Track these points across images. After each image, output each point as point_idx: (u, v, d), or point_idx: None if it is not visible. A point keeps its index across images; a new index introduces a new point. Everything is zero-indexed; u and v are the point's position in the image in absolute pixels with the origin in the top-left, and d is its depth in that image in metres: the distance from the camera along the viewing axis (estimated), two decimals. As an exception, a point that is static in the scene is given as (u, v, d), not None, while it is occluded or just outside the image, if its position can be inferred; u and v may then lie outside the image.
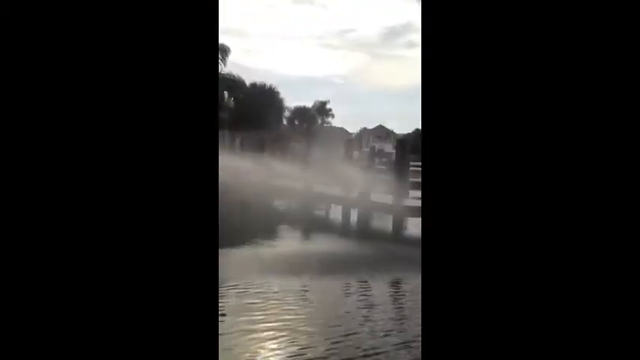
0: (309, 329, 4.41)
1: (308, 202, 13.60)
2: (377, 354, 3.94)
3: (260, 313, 4.79)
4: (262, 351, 3.90)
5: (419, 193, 13.31)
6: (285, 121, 39.94)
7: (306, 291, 5.66)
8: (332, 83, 67.33)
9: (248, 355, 3.80)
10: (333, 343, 4.08)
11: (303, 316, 4.80)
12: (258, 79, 35.22)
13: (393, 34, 71.56)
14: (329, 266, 6.90)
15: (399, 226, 10.98)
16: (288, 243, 9.24)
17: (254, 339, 4.10)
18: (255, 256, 7.46)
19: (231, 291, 5.42)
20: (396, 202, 11.06)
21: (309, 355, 3.82)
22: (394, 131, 43.71)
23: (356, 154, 18.92)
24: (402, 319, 4.99)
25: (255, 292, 5.45)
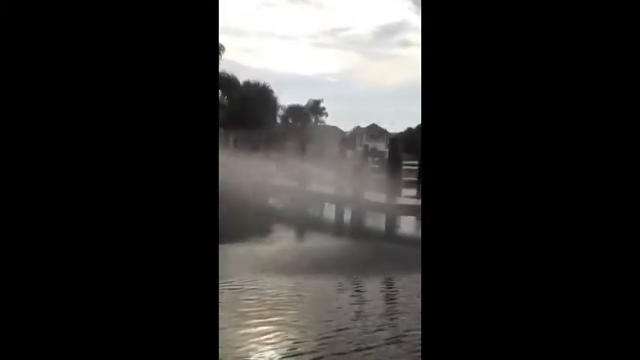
0: (301, 324, 4.49)
1: (302, 201, 13.67)
2: (368, 348, 4.03)
3: (254, 309, 4.87)
4: (256, 346, 3.98)
5: (412, 192, 13.42)
6: (279, 120, 39.93)
7: (299, 288, 5.74)
8: (325, 82, 67.34)
9: (243, 349, 3.88)
10: (324, 338, 4.17)
11: (296, 312, 4.88)
12: (252, 78, 35.18)
13: (386, 32, 71.63)
14: (322, 264, 6.99)
15: (392, 224, 11.09)
16: (283, 241, 9.31)
17: (248, 334, 4.18)
18: (250, 254, 7.52)
19: (226, 288, 5.49)
20: (389, 201, 11.16)
21: (300, 350, 3.91)
22: (387, 130, 43.80)
23: (349, 152, 19.00)
24: (393, 314, 5.08)
25: (249, 289, 5.53)
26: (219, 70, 30.05)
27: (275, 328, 4.37)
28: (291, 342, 4.06)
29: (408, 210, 11.18)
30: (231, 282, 5.69)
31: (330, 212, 12.71)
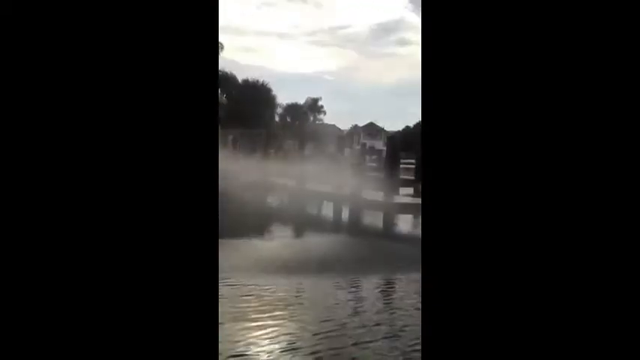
0: (299, 320, 4.55)
1: (300, 200, 13.72)
2: (366, 342, 4.10)
3: (253, 305, 4.93)
4: (255, 340, 4.04)
5: (409, 190, 13.49)
6: (277, 118, 39.93)
7: (297, 286, 5.80)
8: (323, 80, 67.39)
9: (242, 344, 3.94)
10: (322, 334, 4.23)
11: (294, 309, 4.94)
12: (251, 76, 35.17)
13: (384, 31, 71.70)
14: (320, 262, 7.04)
15: (389, 222, 11.15)
16: (281, 239, 9.37)
17: (246, 329, 4.24)
18: (248, 252, 7.57)
19: (224, 284, 5.55)
20: (386, 199, 11.22)
21: (299, 344, 3.97)
22: (385, 128, 43.82)
23: (347, 151, 19.04)
24: (391, 310, 5.15)
25: (248, 286, 5.58)
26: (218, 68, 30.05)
27: (274, 323, 4.43)
28: (289, 337, 4.12)
29: (406, 208, 11.25)
30: (229, 279, 5.75)
31: (328, 210, 12.76)
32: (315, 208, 13.62)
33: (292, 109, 43.04)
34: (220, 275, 6.05)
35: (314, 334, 4.22)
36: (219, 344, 4.04)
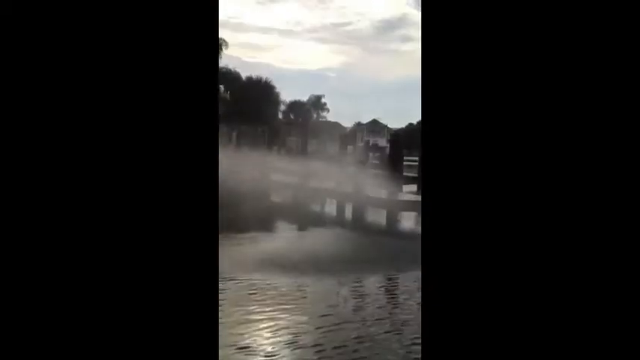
0: (302, 317, 4.59)
1: (303, 197, 13.75)
2: (368, 338, 4.13)
3: (256, 302, 4.96)
4: (258, 337, 4.08)
5: (412, 188, 13.51)
6: (280, 116, 39.94)
7: (300, 283, 5.83)
8: (326, 77, 67.26)
9: (245, 341, 3.97)
10: (325, 330, 4.26)
11: (297, 305, 4.97)
12: (254, 73, 35.19)
13: (387, 27, 71.47)
14: (324, 259, 7.07)
15: (393, 220, 11.17)
16: (284, 236, 9.40)
17: (250, 326, 4.28)
18: (252, 249, 7.61)
19: (228, 282, 5.59)
20: (390, 196, 11.24)
21: (301, 340, 4.00)
22: (388, 126, 43.79)
23: (350, 148, 19.06)
24: (393, 307, 5.17)
25: (251, 283, 5.62)
26: (221, 66, 30.11)
27: (276, 320, 4.46)
28: (292, 334, 4.15)
29: (409, 205, 11.26)
30: (232, 276, 5.78)
31: (331, 208, 12.79)
32: (319, 205, 13.65)
33: (295, 106, 43.05)
34: (224, 271, 6.08)
35: (317, 328, 4.25)
36: (224, 338, 4.08)
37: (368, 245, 8.45)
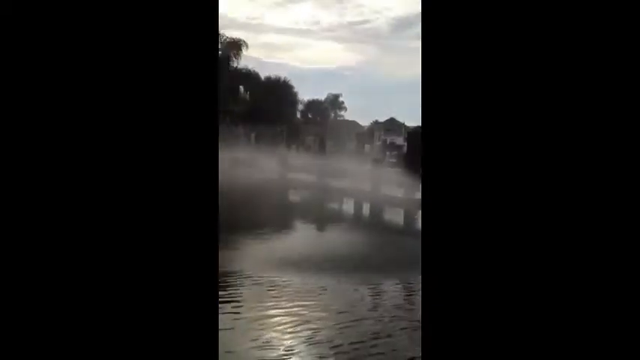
0: (320, 315, 4.67)
1: (321, 196, 13.83)
2: (386, 336, 4.19)
3: (274, 300, 5.06)
4: (276, 334, 4.17)
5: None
6: (298, 115, 40.06)
7: (318, 281, 5.91)
8: (344, 76, 67.20)
9: (263, 338, 4.07)
10: (342, 328, 4.34)
11: (315, 303, 5.05)
12: (273, 73, 35.39)
13: (404, 25, 71.04)
14: (341, 257, 7.13)
15: (410, 218, 11.17)
16: (302, 235, 9.49)
17: (268, 323, 4.38)
18: (270, 248, 7.71)
19: (247, 280, 5.70)
20: (407, 195, 11.24)
21: (319, 338, 4.08)
22: (405, 124, 43.52)
23: (368, 147, 19.06)
24: (411, 305, 5.22)
25: (269, 281, 5.72)
26: (241, 67, 30.36)
27: (295, 317, 4.55)
28: (310, 331, 4.24)
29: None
30: (250, 274, 5.90)
31: (348, 206, 12.84)
32: (336, 203, 13.72)
33: (313, 105, 43.11)
34: (243, 269, 6.19)
35: (334, 325, 4.33)
36: (243, 334, 4.18)
37: (385, 244, 8.49)
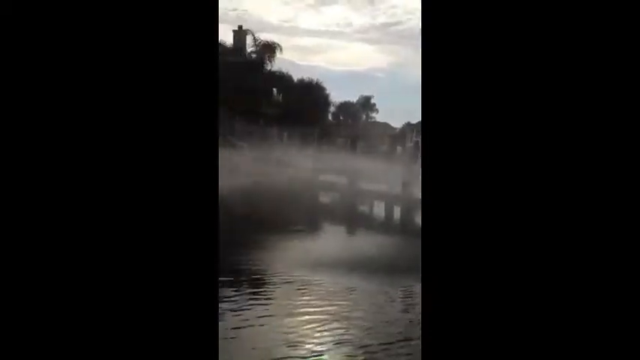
0: (350, 316, 4.70)
1: (352, 198, 13.84)
2: (418, 339, 4.18)
3: (304, 300, 5.12)
4: (308, 332, 4.23)
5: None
6: (330, 117, 40.16)
7: (348, 282, 5.94)
8: (376, 78, 66.88)
9: (293, 337, 4.13)
10: (372, 329, 4.35)
11: (345, 304, 5.08)
12: (305, 75, 35.61)
13: (439, 26, 70.05)
14: (372, 260, 7.14)
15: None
16: (332, 237, 9.53)
17: (298, 323, 4.43)
18: (300, 249, 7.78)
19: (277, 280, 5.79)
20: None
21: (349, 338, 4.12)
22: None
23: (399, 149, 18.94)
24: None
25: (299, 282, 5.78)
26: (275, 69, 30.69)
27: (325, 318, 4.59)
28: (339, 331, 4.28)
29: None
30: (281, 274, 5.98)
31: (379, 209, 12.80)
32: (367, 206, 13.70)
33: (345, 107, 43.12)
34: (274, 268, 6.27)
35: (366, 329, 4.35)
36: (273, 333, 4.25)
37: (415, 247, 8.42)
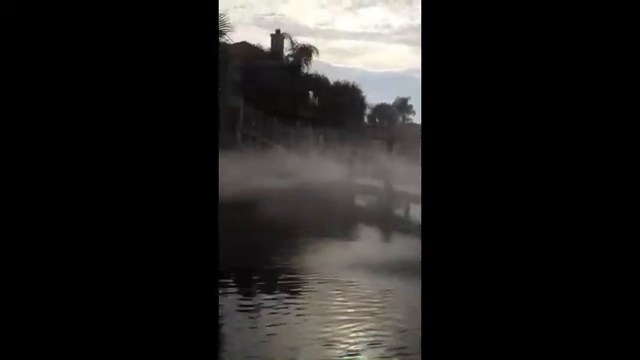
0: (385, 317, 4.70)
1: (388, 201, 13.75)
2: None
3: (340, 301, 5.15)
4: (345, 331, 4.26)
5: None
6: (366, 119, 40.07)
7: (384, 285, 5.93)
8: (412, 79, 66.18)
9: (328, 336, 4.17)
10: (408, 331, 4.34)
11: (381, 306, 5.08)
12: (341, 78, 35.70)
13: (479, 27, 68.78)
14: (408, 263, 7.09)
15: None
16: (368, 241, 9.52)
17: (333, 323, 4.47)
18: (336, 252, 7.82)
19: (314, 282, 5.85)
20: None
21: (383, 340, 4.12)
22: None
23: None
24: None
25: (335, 283, 5.82)
26: (311, 72, 30.91)
27: (360, 319, 4.61)
28: (375, 332, 4.29)
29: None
30: (317, 275, 6.03)
31: (416, 212, 12.67)
32: (403, 209, 13.58)
33: (381, 109, 42.97)
34: (312, 270, 6.33)
35: (401, 331, 4.34)
36: (308, 333, 4.30)
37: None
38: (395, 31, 73.91)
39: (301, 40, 32.38)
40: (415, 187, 13.15)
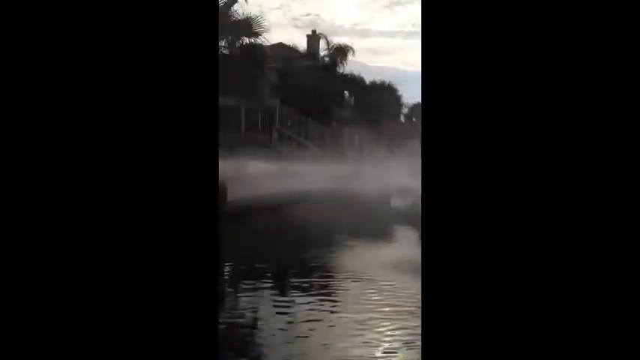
0: (419, 316, 4.69)
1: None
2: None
3: (374, 300, 5.18)
4: (381, 328, 4.29)
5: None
6: (402, 119, 39.72)
7: (419, 285, 5.91)
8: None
9: (364, 338, 4.20)
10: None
11: (415, 306, 5.07)
12: (377, 77, 35.51)
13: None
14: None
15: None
16: (404, 242, 9.47)
17: (366, 321, 4.50)
18: (373, 253, 7.82)
19: (349, 282, 5.89)
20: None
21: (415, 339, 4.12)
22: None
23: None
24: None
25: (372, 285, 5.84)
26: (347, 72, 30.89)
27: (395, 320, 4.62)
28: (409, 331, 4.29)
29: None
30: (353, 275, 6.07)
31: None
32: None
33: (418, 108, 42.49)
34: (348, 270, 6.36)
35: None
36: (343, 333, 4.34)
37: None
38: (432, 29, 72.90)
39: (337, 39, 32.43)
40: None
